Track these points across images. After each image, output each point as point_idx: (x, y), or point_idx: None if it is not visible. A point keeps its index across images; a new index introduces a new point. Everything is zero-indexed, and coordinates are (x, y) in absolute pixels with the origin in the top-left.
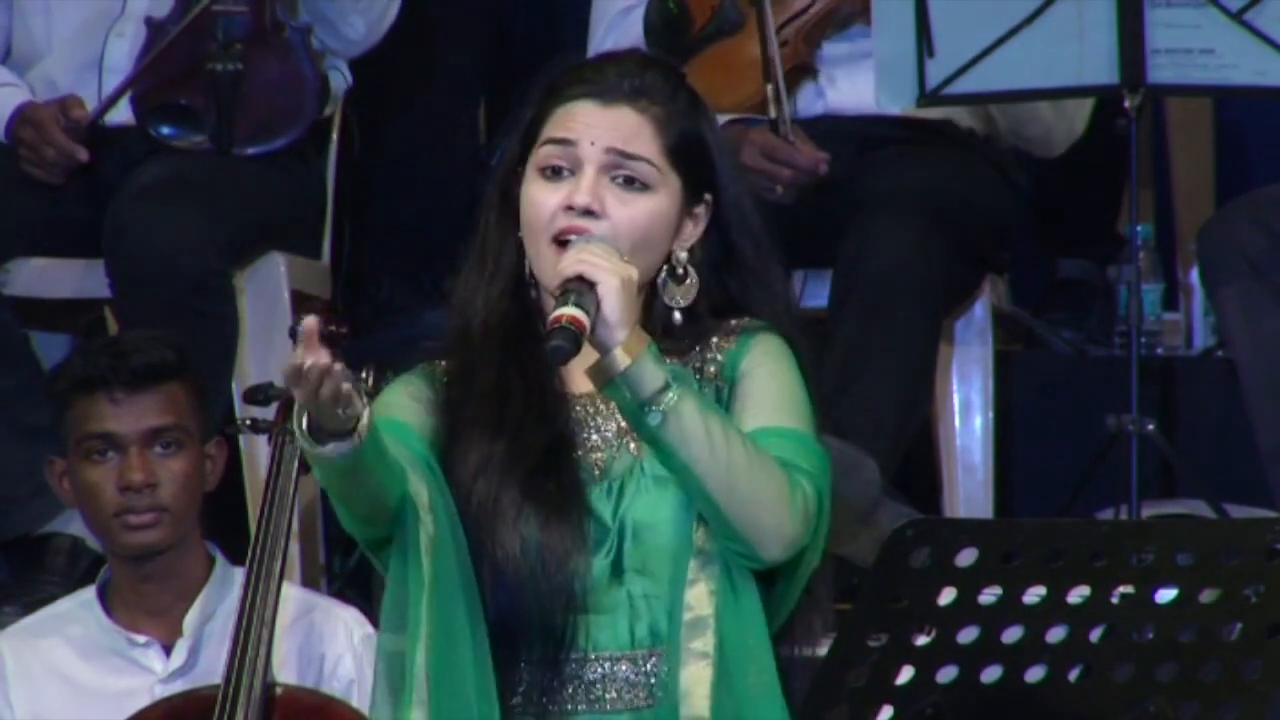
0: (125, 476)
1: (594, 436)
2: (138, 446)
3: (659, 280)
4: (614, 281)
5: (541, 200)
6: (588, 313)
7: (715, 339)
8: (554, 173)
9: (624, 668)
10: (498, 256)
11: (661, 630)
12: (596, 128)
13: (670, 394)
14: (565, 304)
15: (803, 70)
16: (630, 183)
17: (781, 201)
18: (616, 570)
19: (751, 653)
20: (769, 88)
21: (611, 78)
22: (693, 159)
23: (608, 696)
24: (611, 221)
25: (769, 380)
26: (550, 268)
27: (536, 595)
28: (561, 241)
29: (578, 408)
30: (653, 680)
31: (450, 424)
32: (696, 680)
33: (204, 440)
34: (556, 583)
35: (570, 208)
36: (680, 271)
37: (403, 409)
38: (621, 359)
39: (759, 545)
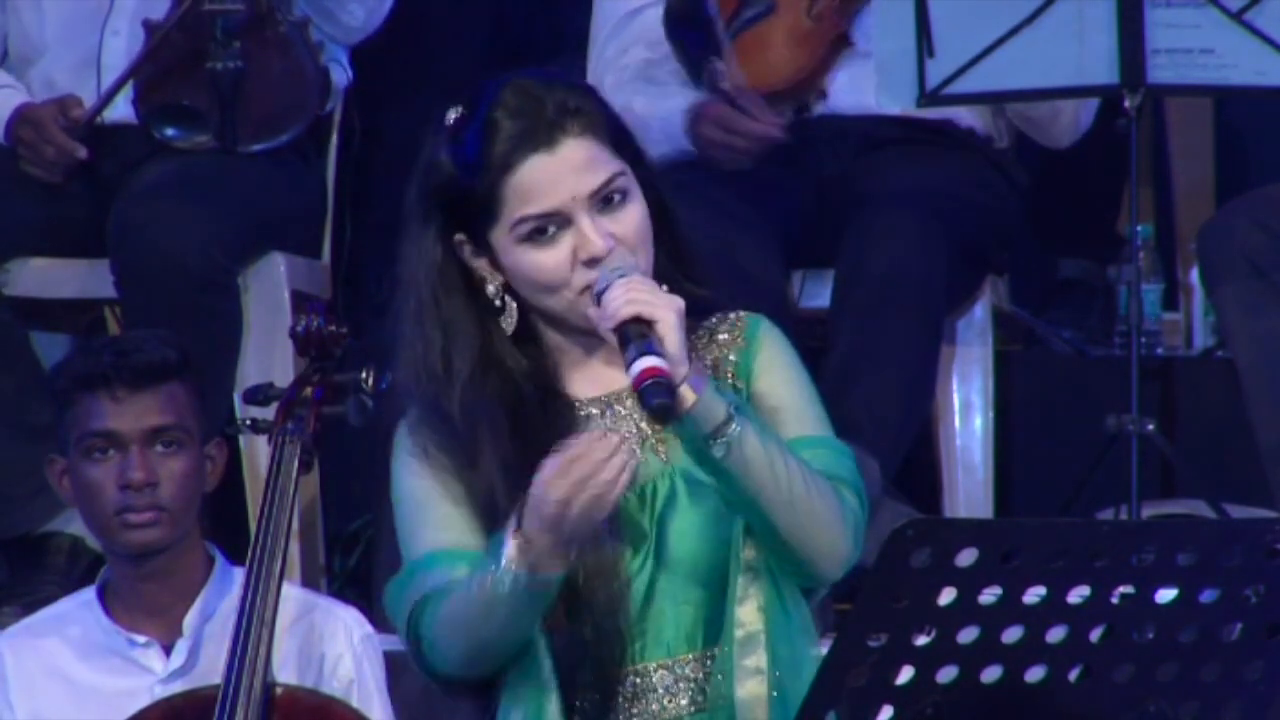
0: (126, 475)
1: None
2: (138, 445)
3: None
4: (671, 317)
5: (547, 264)
6: (658, 354)
7: (722, 336)
8: (540, 233)
9: (663, 676)
10: (452, 319)
11: (696, 637)
12: (563, 181)
13: (734, 425)
14: (639, 354)
15: (842, 41)
16: (611, 200)
17: (742, 167)
18: (654, 579)
19: (804, 664)
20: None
21: (532, 114)
22: (624, 138)
23: (651, 708)
24: (622, 243)
25: (789, 383)
26: (578, 312)
27: (590, 612)
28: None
29: (583, 416)
30: (691, 688)
31: (481, 506)
32: (754, 696)
33: (204, 440)
34: (604, 599)
35: (592, 260)
36: None
37: (463, 525)
38: (688, 395)
39: (816, 566)
